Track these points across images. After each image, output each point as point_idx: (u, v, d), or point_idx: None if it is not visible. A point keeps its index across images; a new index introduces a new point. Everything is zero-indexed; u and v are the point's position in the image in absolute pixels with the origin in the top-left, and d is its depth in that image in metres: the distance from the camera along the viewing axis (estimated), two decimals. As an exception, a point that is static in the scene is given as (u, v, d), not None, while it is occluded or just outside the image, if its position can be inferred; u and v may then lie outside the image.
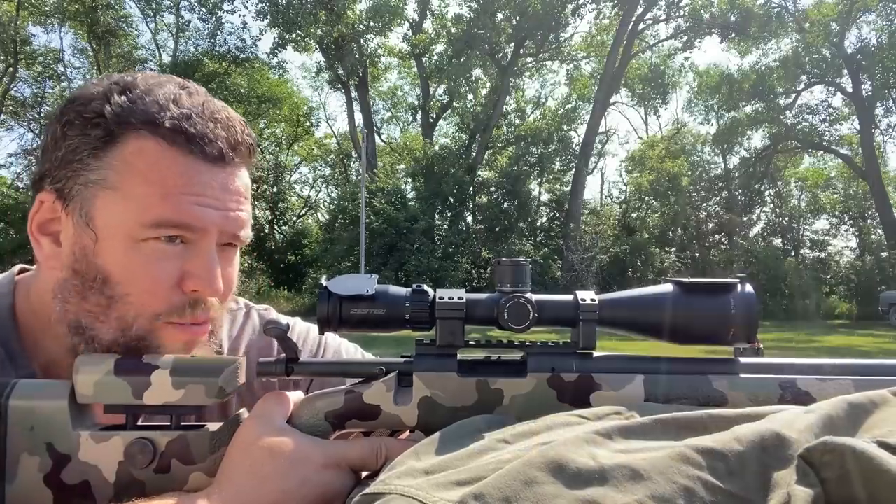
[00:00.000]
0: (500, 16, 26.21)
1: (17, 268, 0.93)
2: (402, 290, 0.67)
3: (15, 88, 25.38)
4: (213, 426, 0.69)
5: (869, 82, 26.69)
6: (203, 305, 0.81)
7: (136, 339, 0.79)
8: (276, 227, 32.22)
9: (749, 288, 0.65)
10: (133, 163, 0.77)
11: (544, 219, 29.23)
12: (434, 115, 29.76)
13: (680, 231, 29.07)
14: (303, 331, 1.08)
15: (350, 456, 0.65)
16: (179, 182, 0.77)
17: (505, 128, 30.67)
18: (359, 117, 28.69)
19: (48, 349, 0.84)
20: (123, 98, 0.78)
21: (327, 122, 51.28)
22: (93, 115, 0.77)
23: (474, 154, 26.80)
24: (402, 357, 0.69)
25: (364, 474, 0.67)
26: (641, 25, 27.77)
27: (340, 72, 27.43)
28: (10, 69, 24.65)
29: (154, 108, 0.78)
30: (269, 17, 25.51)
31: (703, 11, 26.46)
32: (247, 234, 0.86)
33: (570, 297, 0.67)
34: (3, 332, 0.84)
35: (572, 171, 28.01)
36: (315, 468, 0.63)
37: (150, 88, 0.80)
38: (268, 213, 32.20)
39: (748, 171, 29.95)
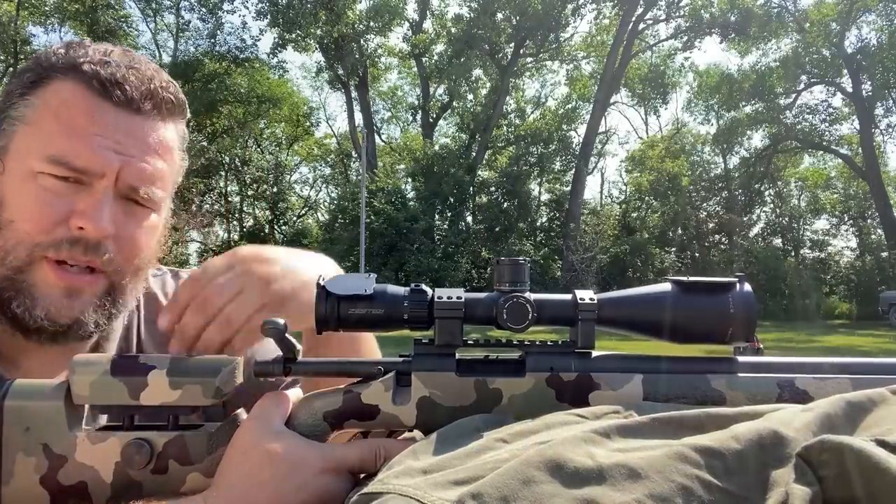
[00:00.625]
0: (500, 16, 26.22)
1: None
2: (401, 290, 0.66)
3: (15, 88, 25.36)
4: (211, 426, 0.69)
5: (869, 82, 26.71)
6: (87, 247, 0.82)
7: (14, 272, 0.80)
8: (276, 227, 32.22)
9: (747, 287, 0.64)
10: (49, 101, 0.82)
11: (544, 219, 29.27)
12: (434, 115, 29.78)
13: (680, 231, 29.08)
14: None
15: (349, 459, 0.65)
16: (83, 121, 0.81)
17: (505, 128, 30.69)
18: (359, 117, 28.75)
19: None
20: (61, 51, 0.84)
21: (327, 122, 51.28)
22: (30, 64, 0.84)
23: (474, 154, 26.81)
24: (401, 356, 0.69)
25: (362, 476, 0.67)
26: (641, 25, 27.79)
27: (340, 72, 27.44)
28: (10, 69, 24.64)
29: (81, 56, 0.83)
30: (269, 17, 25.54)
31: (703, 11, 26.48)
32: (151, 191, 0.86)
33: (568, 297, 0.66)
34: None
35: (572, 171, 28.03)
36: (313, 472, 0.63)
37: (90, 46, 0.85)
38: (268, 213, 32.23)
39: (748, 171, 29.96)
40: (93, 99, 0.81)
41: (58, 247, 0.81)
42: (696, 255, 28.88)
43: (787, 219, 31.31)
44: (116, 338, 0.97)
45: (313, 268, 0.83)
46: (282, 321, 0.66)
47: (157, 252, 0.93)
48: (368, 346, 0.94)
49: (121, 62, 0.84)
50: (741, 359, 0.67)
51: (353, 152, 31.68)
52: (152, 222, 0.90)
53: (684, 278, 0.65)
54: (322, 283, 0.65)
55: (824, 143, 29.27)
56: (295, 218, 34.25)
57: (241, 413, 0.69)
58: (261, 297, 0.77)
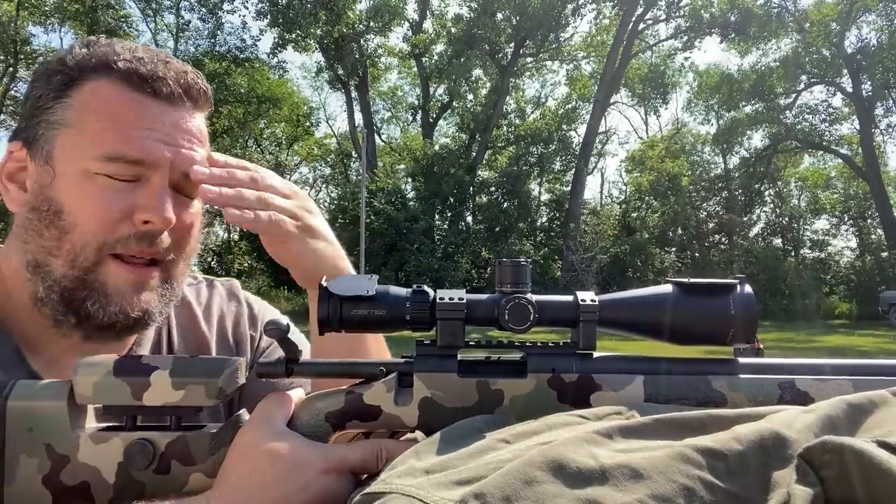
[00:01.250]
0: (500, 16, 26.19)
1: None
2: (403, 291, 0.66)
3: (15, 88, 25.30)
4: (214, 427, 0.69)
5: (869, 82, 26.69)
6: (152, 240, 0.84)
7: (84, 272, 0.82)
8: (276, 227, 32.08)
9: (748, 288, 0.65)
10: (89, 101, 0.82)
11: (544, 219, 29.25)
12: (434, 115, 29.73)
13: (680, 231, 29.06)
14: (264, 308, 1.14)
15: (351, 459, 0.65)
16: (130, 117, 0.82)
17: (505, 128, 30.65)
18: (359, 117, 28.71)
19: (14, 303, 0.87)
20: (84, 49, 0.85)
21: (327, 122, 51.10)
22: (57, 66, 0.84)
23: (474, 154, 26.78)
24: (403, 357, 0.69)
25: (364, 477, 0.67)
26: (641, 25, 27.77)
27: (340, 72, 27.41)
28: (10, 69, 24.63)
29: (111, 54, 0.84)
30: (269, 17, 25.49)
31: (703, 11, 26.45)
32: None
33: (570, 298, 0.66)
34: None
35: (572, 171, 28.01)
36: (315, 473, 0.63)
37: (110, 43, 0.87)
38: (268, 213, 32.09)
39: (748, 171, 29.95)
40: (135, 95, 0.83)
41: (125, 243, 0.82)
42: (696, 255, 28.87)
43: (787, 219, 31.29)
44: (149, 344, 0.98)
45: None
46: (284, 322, 0.66)
47: (199, 239, 0.96)
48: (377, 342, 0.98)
49: (154, 58, 0.86)
50: (742, 360, 0.67)
51: (353, 152, 31.65)
52: (197, 209, 0.93)
53: (685, 280, 0.65)
54: (324, 283, 0.65)
55: (824, 143, 29.26)
56: (295, 218, 34.11)
57: (244, 413, 0.69)
58: (308, 222, 0.89)
